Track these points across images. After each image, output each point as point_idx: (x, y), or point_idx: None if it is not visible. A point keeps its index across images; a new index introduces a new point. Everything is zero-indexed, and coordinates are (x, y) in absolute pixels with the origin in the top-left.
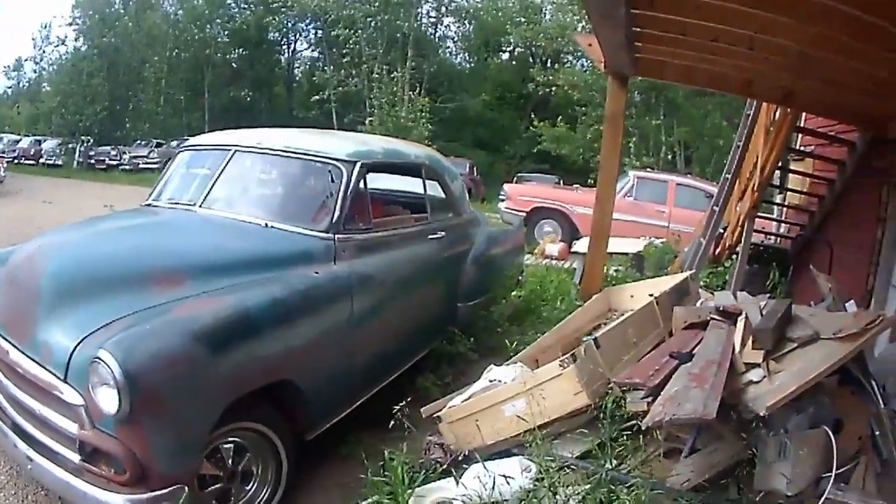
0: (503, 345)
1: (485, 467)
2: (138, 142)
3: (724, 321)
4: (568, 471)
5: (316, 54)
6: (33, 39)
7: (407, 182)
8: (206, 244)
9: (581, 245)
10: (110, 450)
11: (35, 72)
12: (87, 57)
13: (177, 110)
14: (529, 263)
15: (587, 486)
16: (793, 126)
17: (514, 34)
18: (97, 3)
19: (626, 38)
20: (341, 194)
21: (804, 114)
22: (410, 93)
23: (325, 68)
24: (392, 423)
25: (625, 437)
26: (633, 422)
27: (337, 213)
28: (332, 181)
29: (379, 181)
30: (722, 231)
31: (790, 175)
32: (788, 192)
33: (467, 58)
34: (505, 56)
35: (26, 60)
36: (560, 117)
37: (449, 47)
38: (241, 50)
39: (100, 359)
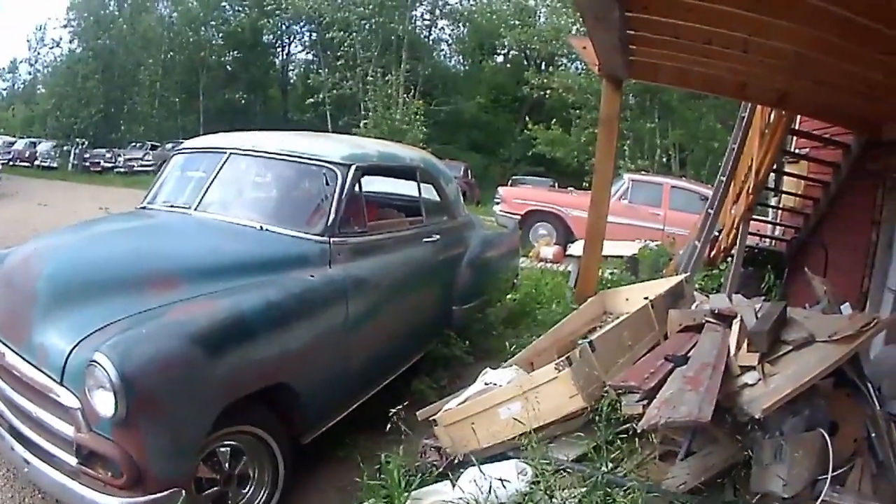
0: (498, 348)
1: (481, 470)
2: (133, 144)
3: (719, 324)
4: (564, 474)
5: (310, 57)
6: (28, 41)
7: (402, 185)
8: (201, 247)
9: (576, 248)
10: (107, 453)
11: (30, 74)
12: (82, 59)
13: (172, 113)
14: (524, 266)
15: (583, 489)
16: (787, 129)
17: (509, 37)
18: (92, 5)
19: (620, 40)
20: (336, 197)
21: (799, 116)
22: (405, 95)
23: (320, 71)
24: (388, 426)
25: (620, 440)
26: (629, 425)
27: (332, 217)
28: (327, 184)
29: (374, 184)
30: (717, 234)
31: (785, 178)
32: (783, 195)
33: (462, 60)
34: (499, 59)
35: (21, 62)
36: (554, 120)
37: (443, 50)
38: (235, 52)
39: (96, 362)
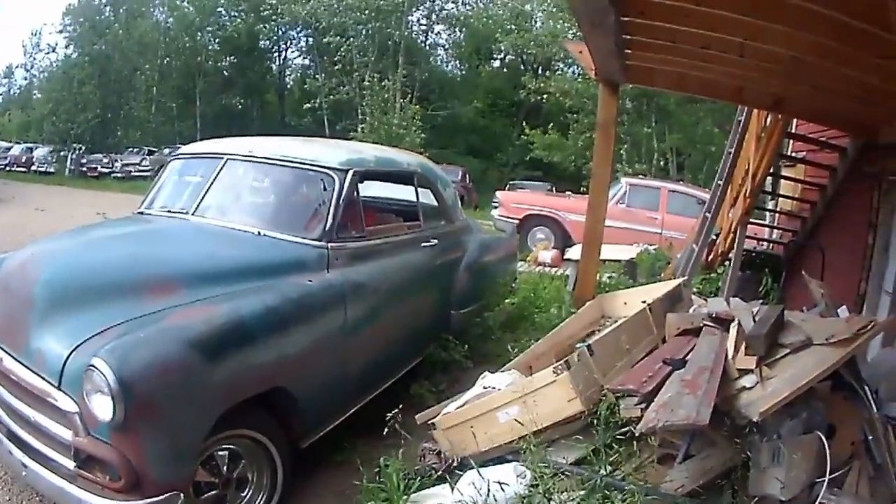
0: (497, 352)
1: (479, 474)
2: (130, 149)
3: (717, 327)
4: (562, 477)
5: (307, 62)
6: (23, 46)
7: (399, 190)
8: (199, 252)
9: (574, 252)
10: (105, 457)
11: (26, 79)
12: (78, 64)
13: (168, 118)
14: (523, 270)
15: (582, 493)
16: (784, 132)
17: (505, 42)
18: (88, 10)
19: (616, 45)
20: (334, 202)
21: (795, 120)
22: (402, 100)
23: (317, 76)
24: (387, 430)
25: (619, 444)
26: (627, 428)
27: (330, 222)
28: (325, 189)
29: (371, 189)
30: (714, 237)
31: (782, 181)
32: (780, 199)
33: (458, 65)
34: (496, 63)
35: (17, 67)
36: (552, 124)
37: (440, 55)
38: (232, 58)
39: (94, 366)
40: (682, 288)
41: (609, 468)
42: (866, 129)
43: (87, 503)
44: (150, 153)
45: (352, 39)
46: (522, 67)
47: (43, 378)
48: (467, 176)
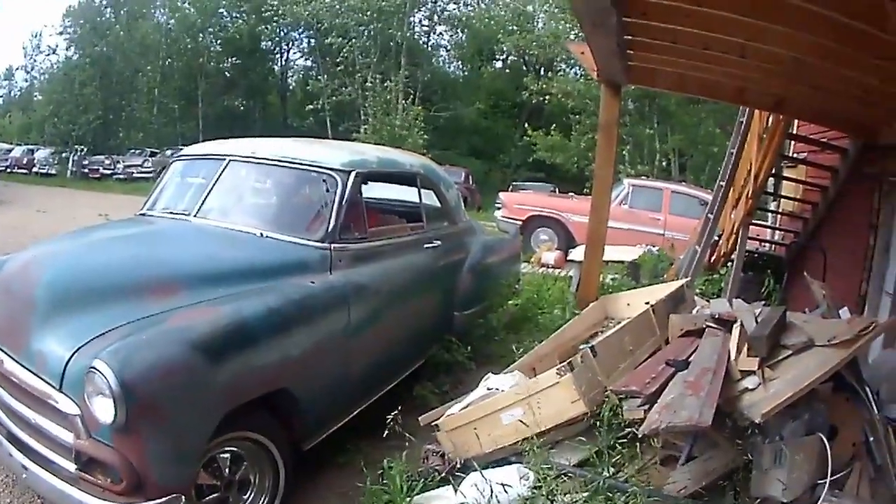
0: (500, 353)
1: (483, 475)
2: (132, 151)
3: (720, 329)
4: (565, 479)
5: (309, 63)
6: (24, 48)
7: (402, 191)
8: (201, 254)
9: (577, 253)
10: (106, 459)
11: (26, 80)
12: (79, 66)
13: (171, 119)
14: (526, 272)
15: (585, 494)
16: (785, 133)
17: (507, 42)
18: (88, 12)
19: (618, 46)
20: (336, 204)
21: (796, 121)
22: (404, 101)
23: (319, 77)
24: (388, 431)
25: (622, 445)
26: (630, 430)
27: (332, 223)
28: (327, 191)
29: (374, 190)
30: (717, 238)
31: (784, 182)
32: (782, 199)
33: (461, 66)
34: (498, 64)
35: (17, 69)
36: (554, 126)
37: (442, 56)
38: (234, 59)
39: (95, 368)
40: (685, 289)
41: (612, 470)
42: (866, 129)
43: None
44: (153, 154)
45: (354, 40)
46: (525, 68)
47: (44, 380)
48: (470, 177)
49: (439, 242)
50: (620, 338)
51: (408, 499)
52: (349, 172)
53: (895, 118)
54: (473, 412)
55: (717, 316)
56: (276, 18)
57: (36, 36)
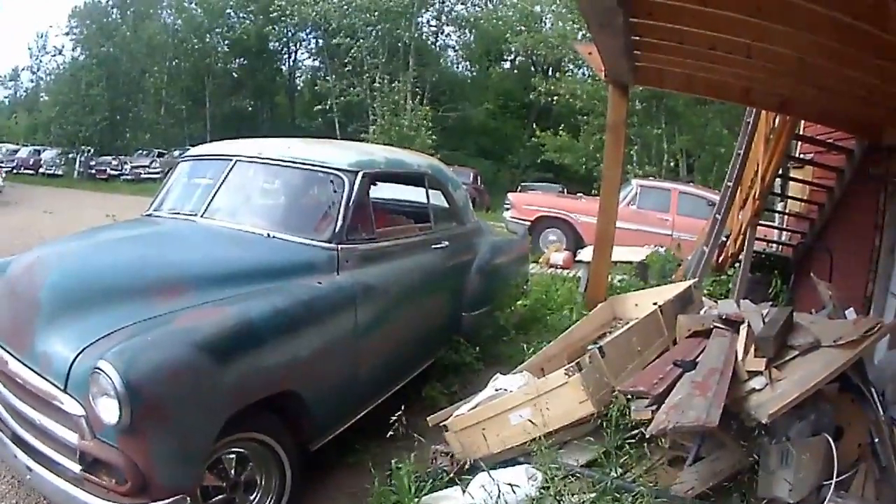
0: (509, 353)
1: (491, 476)
2: (139, 151)
3: (727, 329)
4: (573, 479)
5: (317, 63)
6: (30, 49)
7: (410, 191)
8: (208, 254)
9: (585, 254)
10: (111, 460)
11: (32, 81)
12: (86, 66)
13: (178, 120)
14: (535, 272)
15: (593, 495)
16: (792, 134)
17: (515, 43)
18: (94, 12)
19: (625, 46)
20: (344, 204)
21: (803, 121)
22: (412, 102)
23: (327, 78)
24: (394, 432)
25: (630, 446)
26: (638, 430)
27: (340, 223)
28: (335, 191)
29: (382, 191)
30: (724, 239)
31: (791, 183)
32: (789, 200)
33: (469, 67)
34: (506, 65)
35: (23, 70)
36: (562, 126)
37: (450, 56)
38: (241, 59)
39: (100, 369)
40: (693, 290)
41: (620, 470)
42: (871, 130)
43: None
44: (160, 155)
45: (362, 41)
46: (533, 69)
47: (48, 381)
48: (478, 178)
49: (447, 243)
50: (628, 338)
51: (416, 499)
52: (357, 173)
53: None
54: (482, 413)
55: (724, 316)
56: (283, 19)
57: (42, 36)
